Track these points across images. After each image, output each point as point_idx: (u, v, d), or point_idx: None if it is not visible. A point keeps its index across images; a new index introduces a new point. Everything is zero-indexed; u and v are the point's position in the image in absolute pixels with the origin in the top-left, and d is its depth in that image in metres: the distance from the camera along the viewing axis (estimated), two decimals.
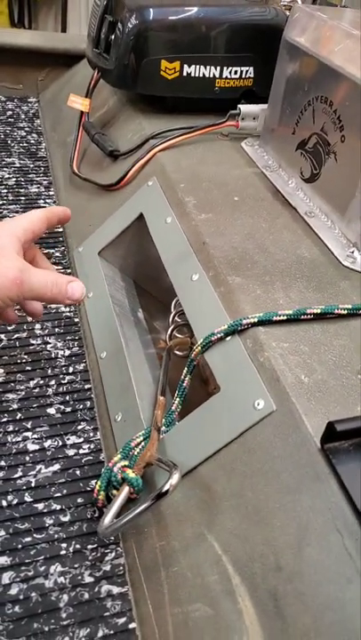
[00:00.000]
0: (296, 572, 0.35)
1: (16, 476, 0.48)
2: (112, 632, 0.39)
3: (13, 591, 0.40)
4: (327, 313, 0.48)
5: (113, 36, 0.81)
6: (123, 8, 0.80)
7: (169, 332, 0.68)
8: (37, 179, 0.93)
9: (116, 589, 0.41)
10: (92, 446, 0.51)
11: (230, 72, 0.84)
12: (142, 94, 0.87)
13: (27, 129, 1.10)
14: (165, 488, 0.39)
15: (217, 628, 0.36)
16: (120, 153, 0.82)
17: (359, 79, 0.55)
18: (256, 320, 0.47)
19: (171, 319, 0.68)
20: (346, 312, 0.48)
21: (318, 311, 0.48)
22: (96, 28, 0.85)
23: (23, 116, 1.15)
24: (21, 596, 0.40)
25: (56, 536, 0.44)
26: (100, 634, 0.39)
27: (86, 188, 0.85)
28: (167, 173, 0.71)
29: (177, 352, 0.66)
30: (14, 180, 0.91)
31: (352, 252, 0.58)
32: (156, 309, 0.77)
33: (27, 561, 0.42)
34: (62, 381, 0.57)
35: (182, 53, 0.81)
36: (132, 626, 0.40)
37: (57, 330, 0.63)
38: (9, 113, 1.15)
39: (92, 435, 0.52)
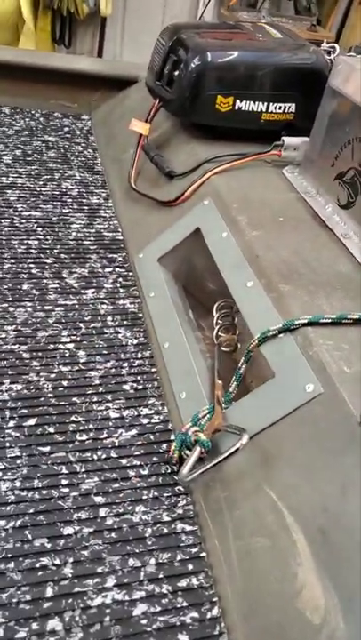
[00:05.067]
0: (340, 512, 0.45)
1: (103, 436, 0.59)
2: (187, 557, 0.50)
3: (109, 522, 0.51)
4: None
5: (176, 73, 0.93)
6: (186, 50, 0.92)
7: (215, 331, 0.79)
8: (96, 191, 1.05)
9: (188, 527, 0.52)
10: (161, 417, 0.62)
11: (275, 107, 0.96)
12: (196, 123, 0.99)
13: (83, 144, 1.22)
14: (237, 446, 0.49)
15: (274, 554, 0.47)
16: (176, 174, 0.93)
17: None
18: (306, 321, 0.58)
19: (215, 320, 0.79)
20: None
21: (357, 317, 0.58)
22: (160, 64, 0.97)
23: (79, 133, 1.27)
24: (115, 526, 0.51)
25: (138, 485, 0.54)
26: (179, 558, 0.49)
27: (143, 202, 0.96)
28: (221, 194, 0.83)
29: (223, 348, 0.77)
30: (77, 191, 1.03)
31: None
32: (200, 311, 0.87)
33: (117, 501, 0.53)
34: (133, 364, 0.68)
35: (236, 90, 0.93)
36: (202, 554, 0.50)
37: (125, 322, 0.74)
38: (66, 129, 1.27)
39: (160, 408, 0.63)
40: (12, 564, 0.47)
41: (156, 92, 0.99)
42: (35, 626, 0.43)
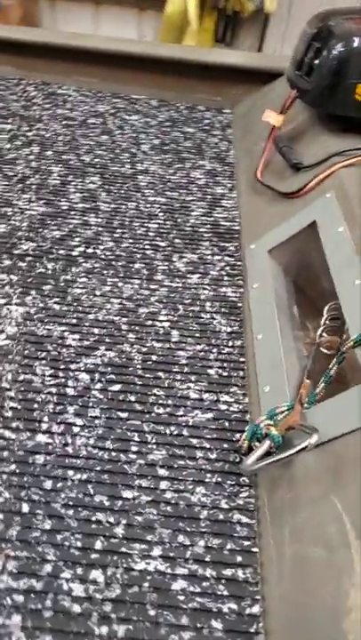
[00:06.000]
0: None
1: (179, 413, 0.59)
2: (238, 549, 0.48)
3: (167, 495, 0.52)
4: None
5: (317, 61, 0.90)
6: (331, 35, 0.88)
7: (319, 331, 0.74)
8: (223, 181, 1.05)
9: (245, 519, 0.50)
10: (240, 407, 0.61)
11: None
12: (332, 114, 0.93)
13: (219, 137, 1.23)
14: (304, 445, 0.46)
15: (329, 568, 0.43)
16: (303, 166, 0.90)
17: None
18: None
19: (323, 321, 0.75)
20: None
21: None
22: (302, 53, 0.94)
23: (218, 125, 1.29)
24: (173, 501, 0.51)
25: (203, 467, 0.54)
26: (229, 546, 0.48)
27: (266, 194, 0.94)
28: (346, 188, 0.78)
29: (323, 349, 0.73)
30: (204, 180, 1.05)
31: None
32: (309, 310, 0.83)
33: (179, 478, 0.53)
34: (222, 351, 0.68)
35: None
36: (254, 550, 0.48)
37: (223, 309, 0.74)
38: (206, 121, 1.30)
39: (241, 398, 0.62)
40: (71, 512, 0.50)
41: (293, 82, 0.96)
42: (79, 571, 0.46)
